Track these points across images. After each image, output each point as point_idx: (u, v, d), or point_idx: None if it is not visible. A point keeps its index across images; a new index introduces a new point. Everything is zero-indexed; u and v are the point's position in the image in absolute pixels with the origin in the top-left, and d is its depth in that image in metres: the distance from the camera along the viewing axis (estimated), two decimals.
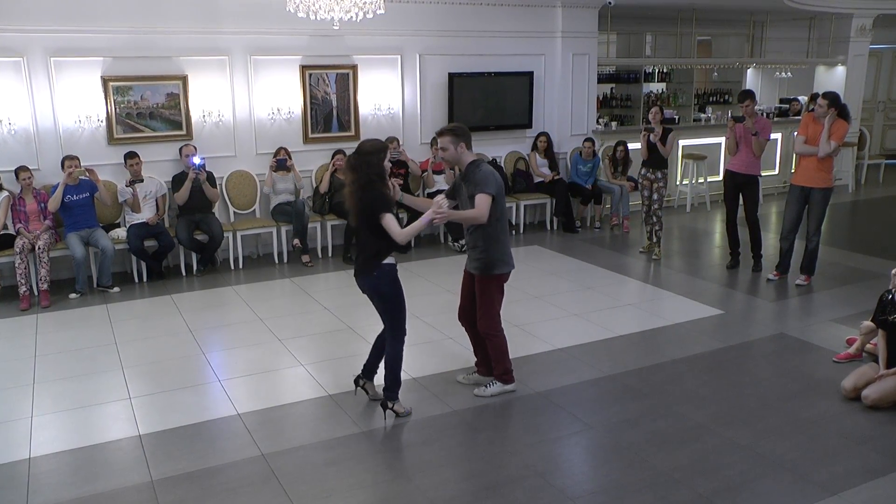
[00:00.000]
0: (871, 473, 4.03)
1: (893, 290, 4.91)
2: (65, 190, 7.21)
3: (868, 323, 5.37)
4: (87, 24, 7.57)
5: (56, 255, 7.33)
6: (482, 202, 4.59)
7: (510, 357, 5.04)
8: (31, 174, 7.21)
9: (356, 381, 4.96)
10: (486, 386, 5.04)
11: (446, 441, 4.48)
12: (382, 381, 4.75)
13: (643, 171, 8.52)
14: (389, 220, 4.35)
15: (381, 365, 4.80)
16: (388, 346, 4.66)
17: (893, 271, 4.89)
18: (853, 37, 12.57)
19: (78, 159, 7.33)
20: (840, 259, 8.30)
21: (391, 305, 4.58)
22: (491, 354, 5.00)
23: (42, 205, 7.28)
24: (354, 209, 4.44)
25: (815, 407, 4.81)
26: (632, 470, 4.09)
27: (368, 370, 4.92)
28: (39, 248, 7.02)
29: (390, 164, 4.70)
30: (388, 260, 4.50)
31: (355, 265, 4.63)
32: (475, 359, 5.22)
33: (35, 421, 4.72)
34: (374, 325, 5.44)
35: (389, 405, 4.68)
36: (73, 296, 7.25)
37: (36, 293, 7.13)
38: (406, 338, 4.68)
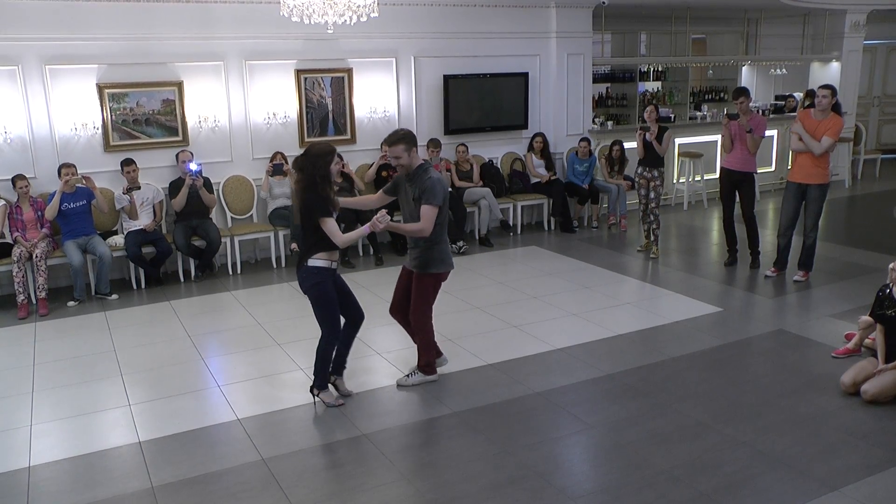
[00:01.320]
0: (871, 468, 4.03)
1: (891, 285, 4.92)
2: (62, 198, 7.21)
3: (866, 318, 5.38)
4: (81, 31, 7.57)
5: (54, 262, 7.33)
6: (428, 214, 4.76)
7: (436, 350, 5.25)
8: (27, 182, 7.21)
9: (311, 390, 5.01)
10: (408, 375, 5.21)
11: (446, 443, 4.48)
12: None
13: (639, 170, 8.53)
14: (329, 225, 4.54)
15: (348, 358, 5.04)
16: (320, 342, 4.84)
17: (891, 266, 4.89)
18: (847, 33, 12.59)
19: (74, 167, 7.33)
20: (837, 254, 8.31)
21: (314, 306, 4.76)
22: (417, 346, 5.19)
23: (39, 213, 7.28)
24: (296, 207, 4.67)
25: (814, 402, 4.82)
26: (632, 469, 4.09)
27: (336, 366, 5.01)
28: (37, 257, 7.02)
29: (339, 169, 4.81)
30: (315, 262, 4.63)
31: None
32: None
33: (34, 429, 4.72)
34: (371, 328, 5.45)
35: (316, 393, 4.90)
36: (71, 303, 7.24)
37: (34, 301, 7.13)
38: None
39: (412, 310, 5.07)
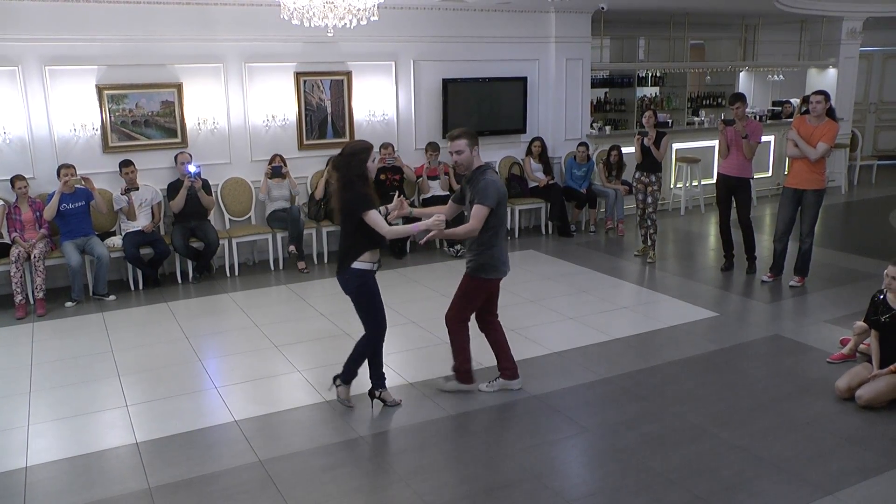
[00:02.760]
0: (865, 472, 4.05)
1: (886, 291, 4.94)
2: (60, 198, 7.22)
3: (861, 323, 5.40)
4: (81, 32, 7.58)
5: (52, 263, 7.33)
6: (478, 214, 4.66)
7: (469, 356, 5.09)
8: (26, 183, 7.22)
9: (370, 394, 4.93)
10: (446, 379, 5.15)
11: (443, 445, 4.50)
12: (379, 383, 4.78)
13: (637, 175, 8.55)
14: (374, 216, 4.42)
15: (367, 366, 4.89)
16: (361, 339, 4.78)
17: (886, 272, 4.91)
18: (844, 39, 12.66)
19: (73, 168, 7.33)
20: (833, 260, 8.34)
21: (361, 308, 4.69)
22: (453, 349, 5.05)
23: (38, 213, 7.28)
24: (336, 207, 4.58)
25: (809, 407, 4.84)
26: (628, 472, 4.11)
27: (375, 378, 4.89)
28: (35, 257, 7.02)
29: (376, 166, 4.75)
30: (359, 265, 4.53)
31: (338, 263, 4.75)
32: (496, 364, 5.20)
33: (32, 429, 4.72)
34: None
35: (337, 384, 4.86)
36: (68, 304, 7.24)
37: (32, 302, 7.13)
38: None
39: (451, 308, 4.96)
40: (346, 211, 4.47)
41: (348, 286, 4.62)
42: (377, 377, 4.87)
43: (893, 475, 4.03)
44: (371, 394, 4.90)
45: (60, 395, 5.23)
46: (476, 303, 4.96)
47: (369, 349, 4.79)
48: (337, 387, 4.90)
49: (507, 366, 5.14)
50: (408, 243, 8.96)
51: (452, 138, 4.79)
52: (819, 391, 5.05)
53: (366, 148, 4.55)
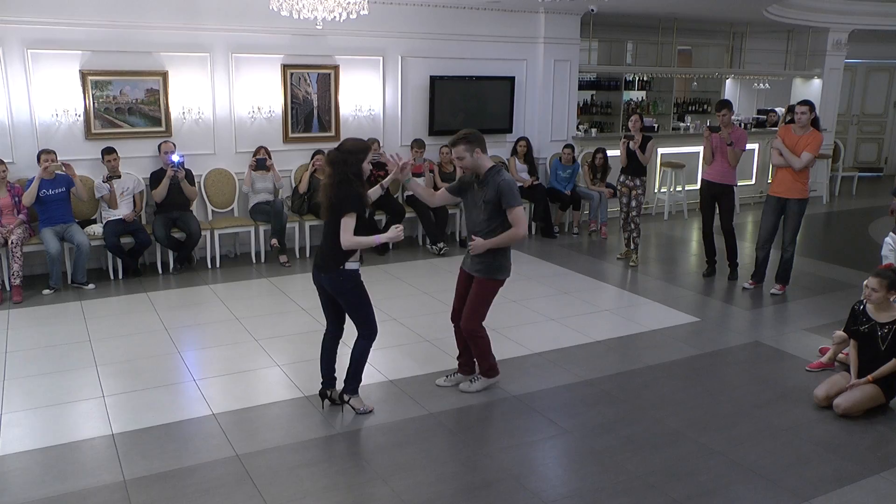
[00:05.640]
0: (841, 480, 4.08)
1: (865, 301, 4.99)
2: (40, 184, 7.12)
3: (840, 333, 5.45)
4: (65, 16, 7.48)
5: (30, 250, 7.23)
6: (519, 215, 4.66)
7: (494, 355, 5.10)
8: (5, 167, 7.11)
9: (321, 394, 4.85)
10: (470, 381, 5.09)
11: (422, 444, 4.48)
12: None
13: (622, 178, 8.58)
14: (348, 222, 4.33)
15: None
16: (357, 343, 4.69)
17: (865, 283, 4.95)
18: (829, 51, 12.78)
19: (54, 153, 7.23)
20: (814, 269, 8.41)
21: (355, 309, 4.62)
22: (475, 353, 5.05)
23: (16, 199, 7.18)
24: (324, 204, 4.46)
25: (787, 414, 4.87)
26: (606, 474, 4.11)
27: (353, 382, 4.79)
28: (13, 243, 6.92)
29: (370, 167, 4.68)
30: (351, 265, 4.48)
31: (315, 258, 4.64)
32: (457, 360, 5.22)
33: (4, 418, 4.65)
34: (350, 326, 5.40)
35: (346, 398, 4.73)
36: (46, 292, 7.15)
37: (8, 288, 7.03)
38: (376, 339, 4.71)
39: (468, 315, 4.91)
40: (334, 208, 4.38)
41: (341, 287, 4.51)
42: (355, 381, 4.76)
43: (868, 483, 4.06)
44: (338, 398, 4.78)
45: (35, 384, 5.15)
46: (490, 303, 4.94)
47: (368, 350, 4.70)
48: (347, 402, 4.76)
49: (468, 362, 5.16)
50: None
51: (451, 145, 4.74)
52: (797, 399, 5.09)
53: (364, 149, 4.46)
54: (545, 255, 8.97)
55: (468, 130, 4.77)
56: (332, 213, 4.40)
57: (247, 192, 8.46)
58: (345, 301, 4.59)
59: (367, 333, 4.67)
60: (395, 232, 4.48)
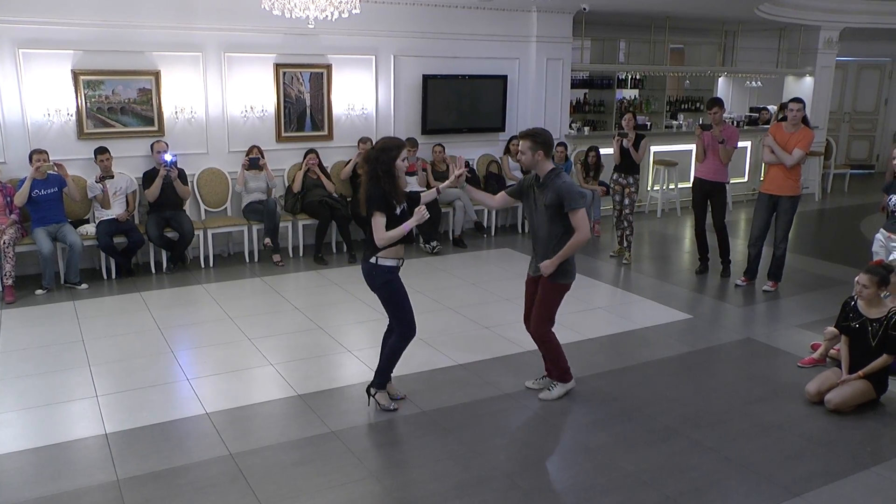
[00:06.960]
0: (832, 475, 4.10)
1: (856, 297, 5.01)
2: (32, 184, 7.10)
3: (832, 329, 5.47)
4: (57, 16, 7.46)
5: (22, 250, 7.21)
6: (581, 218, 4.63)
7: (565, 356, 5.06)
8: None
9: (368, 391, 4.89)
10: (549, 389, 5.06)
11: (415, 442, 4.49)
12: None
13: (615, 176, 8.60)
14: (377, 220, 4.42)
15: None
16: (393, 339, 4.73)
17: (857, 279, 4.98)
18: (821, 49, 12.84)
19: (46, 153, 7.21)
20: (806, 266, 8.45)
21: (389, 305, 4.66)
22: (546, 358, 5.04)
23: (8, 199, 7.16)
24: (361, 198, 4.56)
25: (779, 410, 4.89)
26: (599, 471, 4.13)
27: (383, 377, 4.84)
28: (5, 243, 6.90)
29: (405, 164, 4.70)
30: (385, 262, 4.52)
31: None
32: (543, 364, 5.18)
33: None
34: (343, 325, 5.45)
35: (373, 392, 4.77)
36: (39, 292, 7.13)
37: (1, 289, 7.01)
38: (410, 336, 4.72)
39: (536, 319, 4.88)
40: (366, 204, 4.47)
41: (373, 280, 4.58)
42: (383, 377, 4.79)
43: (859, 478, 4.09)
44: (368, 391, 4.83)
45: (28, 384, 5.14)
46: (557, 307, 4.92)
47: (403, 346, 4.72)
48: (373, 396, 4.79)
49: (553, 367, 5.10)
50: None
51: (520, 136, 4.73)
52: (789, 395, 5.11)
53: (397, 146, 4.51)
54: None
55: (541, 129, 4.75)
56: (366, 208, 4.50)
57: (240, 191, 8.45)
58: (379, 296, 4.65)
59: (403, 332, 4.69)
60: (419, 214, 4.50)
